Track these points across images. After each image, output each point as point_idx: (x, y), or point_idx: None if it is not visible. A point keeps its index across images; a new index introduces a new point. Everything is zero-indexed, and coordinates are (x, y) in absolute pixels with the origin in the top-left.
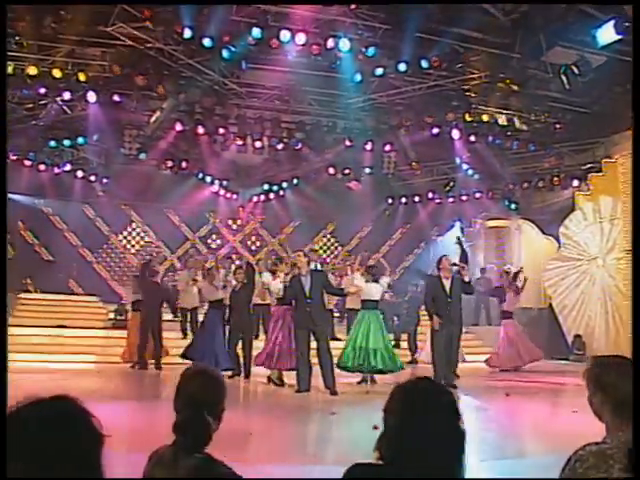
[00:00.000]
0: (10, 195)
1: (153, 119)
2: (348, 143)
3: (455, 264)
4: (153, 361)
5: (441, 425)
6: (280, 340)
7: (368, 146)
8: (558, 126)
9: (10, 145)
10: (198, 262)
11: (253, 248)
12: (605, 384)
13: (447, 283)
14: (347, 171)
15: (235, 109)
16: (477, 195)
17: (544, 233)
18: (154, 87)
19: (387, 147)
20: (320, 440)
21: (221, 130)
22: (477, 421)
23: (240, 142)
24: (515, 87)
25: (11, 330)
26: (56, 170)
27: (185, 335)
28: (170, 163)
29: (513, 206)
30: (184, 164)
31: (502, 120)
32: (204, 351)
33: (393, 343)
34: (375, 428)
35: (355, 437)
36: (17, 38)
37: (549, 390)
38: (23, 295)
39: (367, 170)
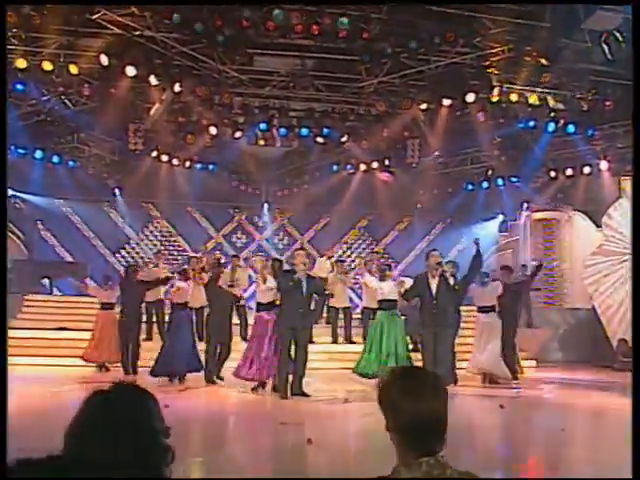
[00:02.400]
0: (24, 195)
1: (152, 111)
2: (363, 131)
3: (440, 263)
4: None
5: (127, 442)
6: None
7: (385, 133)
8: (608, 103)
9: (16, 142)
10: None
11: (280, 246)
12: (386, 403)
13: (434, 282)
14: (371, 162)
15: (239, 98)
16: (516, 184)
17: (597, 225)
18: (146, 77)
19: (405, 133)
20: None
21: (226, 121)
22: None
23: (249, 133)
24: (544, 61)
25: (12, 333)
26: (66, 167)
27: None
28: (181, 157)
29: (559, 195)
30: (196, 158)
31: (533, 99)
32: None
33: (411, 347)
34: (309, 442)
35: (287, 451)
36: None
37: (552, 403)
38: (30, 297)
39: (390, 161)
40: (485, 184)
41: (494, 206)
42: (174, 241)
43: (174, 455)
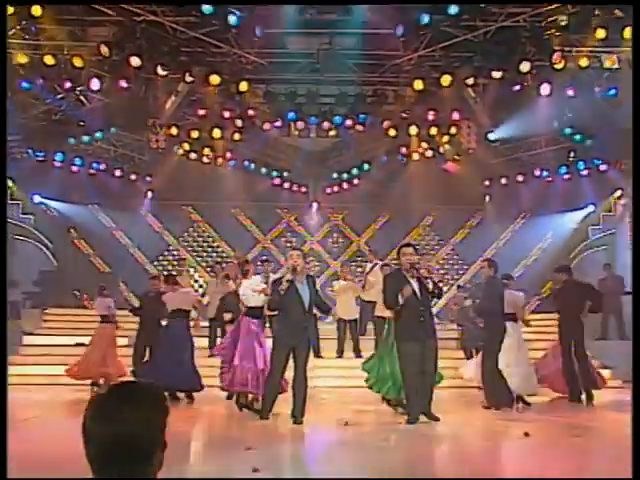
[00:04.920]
0: (52, 202)
1: (168, 105)
2: (404, 115)
3: (413, 264)
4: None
5: None
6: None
7: (430, 115)
8: None
9: (33, 145)
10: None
11: (335, 249)
12: (82, 429)
13: (414, 281)
14: (424, 150)
15: (262, 85)
16: (601, 167)
17: None
18: (153, 68)
19: (455, 115)
20: None
21: (251, 112)
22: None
23: (279, 124)
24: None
25: (26, 350)
26: (89, 170)
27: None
28: (212, 154)
29: None
30: (228, 154)
31: (611, 62)
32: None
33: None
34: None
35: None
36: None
37: (591, 430)
38: (50, 310)
39: (444, 147)
40: (563, 169)
41: (576, 195)
42: (217, 246)
43: None
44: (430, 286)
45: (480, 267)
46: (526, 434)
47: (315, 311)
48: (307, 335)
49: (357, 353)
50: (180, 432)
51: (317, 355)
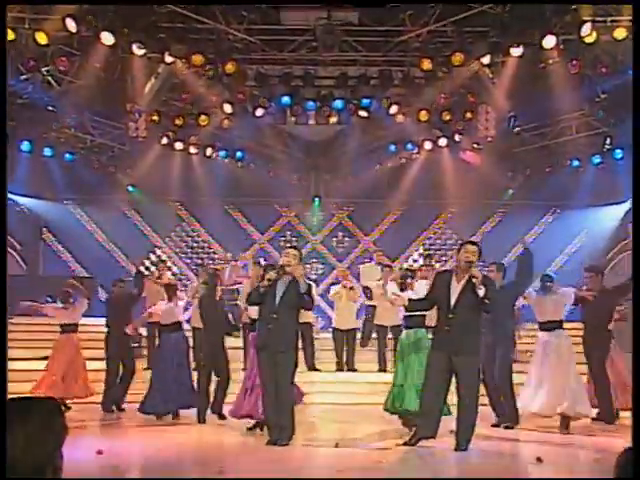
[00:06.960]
0: (21, 198)
1: (147, 89)
2: (413, 99)
3: (471, 262)
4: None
5: None
6: None
7: (442, 99)
8: None
9: None
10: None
11: (340, 249)
12: None
13: (458, 285)
14: (437, 138)
15: (253, 66)
16: None
17: None
18: (128, 46)
19: (470, 98)
20: None
21: (241, 96)
22: None
23: (272, 110)
24: None
25: None
26: (62, 162)
27: None
28: (200, 144)
29: None
30: (218, 143)
31: None
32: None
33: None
34: None
35: None
36: None
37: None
38: (15, 320)
39: (460, 135)
40: (597, 158)
41: (613, 187)
42: (208, 247)
43: None
44: (481, 293)
45: (488, 272)
46: (539, 459)
47: (310, 320)
48: (275, 339)
49: (350, 367)
50: (150, 451)
51: (311, 368)
